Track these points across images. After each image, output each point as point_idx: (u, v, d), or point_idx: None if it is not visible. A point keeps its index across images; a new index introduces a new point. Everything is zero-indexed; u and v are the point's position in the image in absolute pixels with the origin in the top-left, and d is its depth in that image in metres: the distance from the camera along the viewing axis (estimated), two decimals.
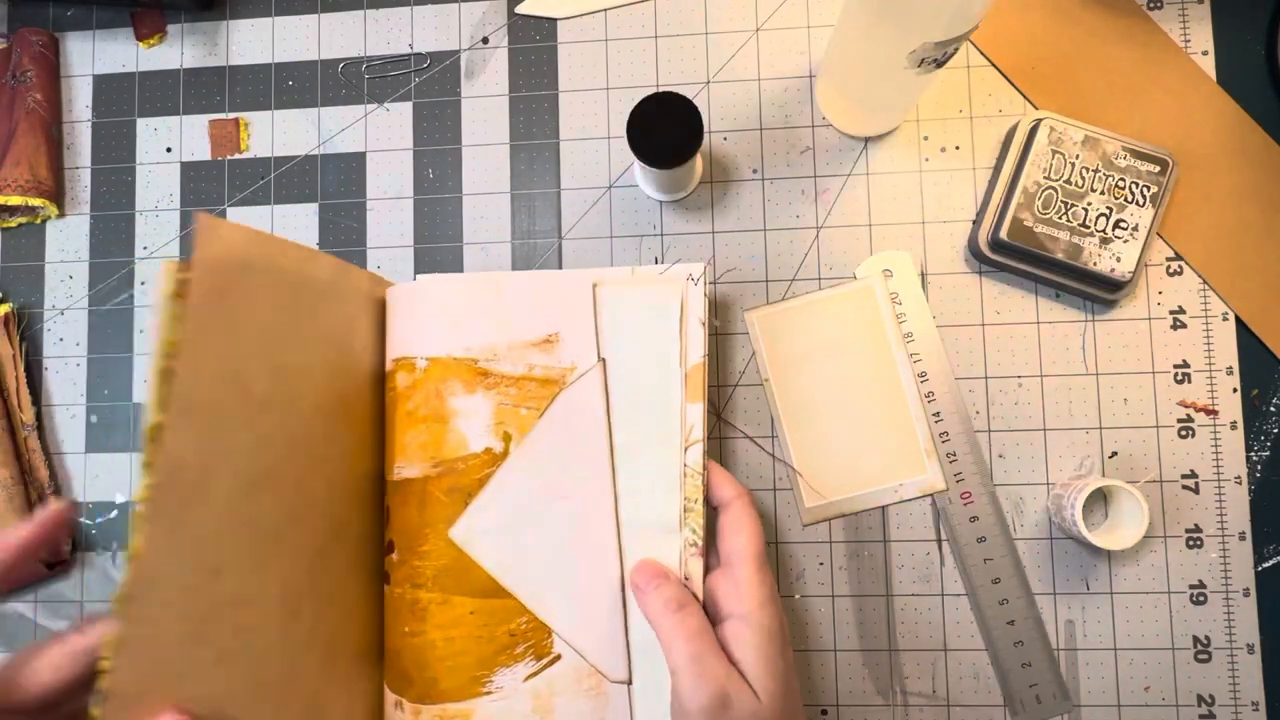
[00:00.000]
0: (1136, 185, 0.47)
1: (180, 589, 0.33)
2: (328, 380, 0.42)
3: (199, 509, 0.34)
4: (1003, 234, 0.48)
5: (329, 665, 0.41)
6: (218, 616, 0.35)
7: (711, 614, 0.41)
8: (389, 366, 0.46)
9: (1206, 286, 0.49)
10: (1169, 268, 0.49)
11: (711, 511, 0.43)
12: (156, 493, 0.32)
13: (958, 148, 0.51)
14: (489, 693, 0.43)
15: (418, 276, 0.49)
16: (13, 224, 0.56)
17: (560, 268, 0.53)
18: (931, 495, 0.49)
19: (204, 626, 0.34)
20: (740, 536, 0.41)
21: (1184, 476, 0.48)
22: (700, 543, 0.43)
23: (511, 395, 0.44)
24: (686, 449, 0.44)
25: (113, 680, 0.31)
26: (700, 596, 0.42)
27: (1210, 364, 0.49)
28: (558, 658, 0.43)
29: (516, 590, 0.43)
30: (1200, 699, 0.47)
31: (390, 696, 0.44)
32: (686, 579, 0.43)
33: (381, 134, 0.55)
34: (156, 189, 0.56)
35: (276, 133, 0.55)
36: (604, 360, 0.44)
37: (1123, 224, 0.47)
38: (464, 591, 0.43)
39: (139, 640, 0.32)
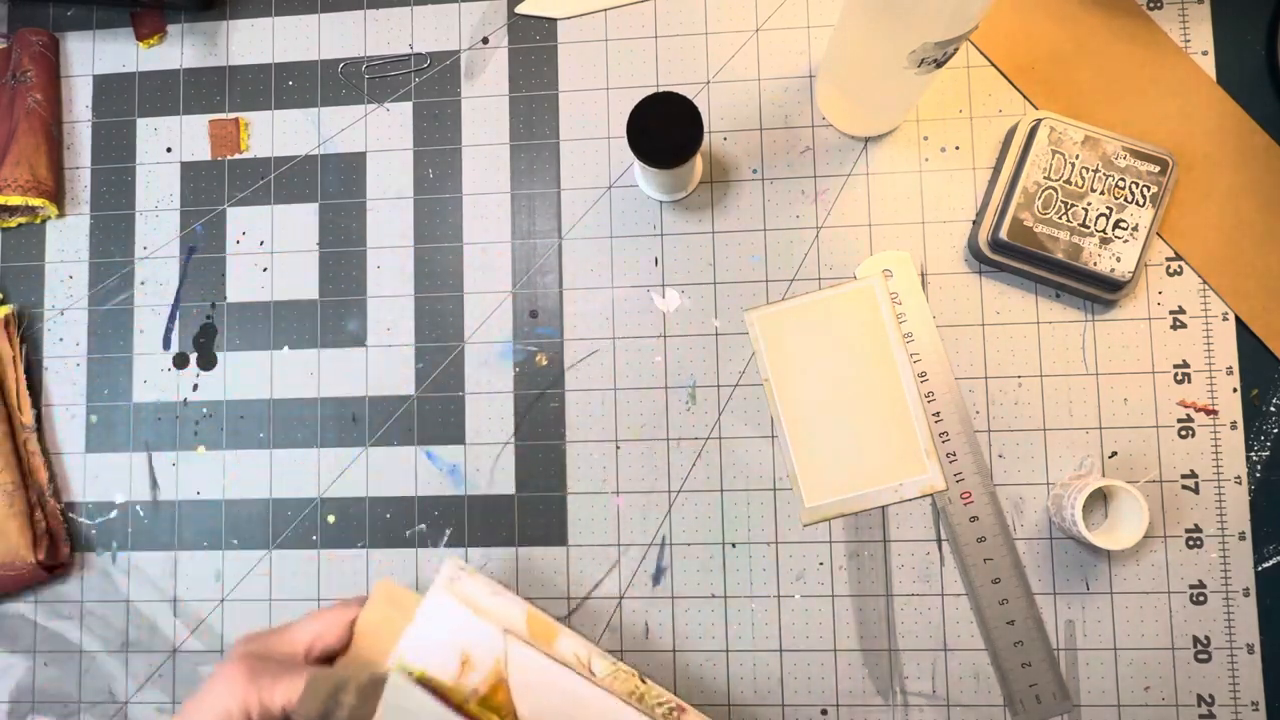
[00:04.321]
0: (1136, 185, 0.47)
1: None
2: None
3: None
4: (1003, 234, 0.48)
5: None
6: None
7: None
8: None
9: (1206, 286, 0.49)
10: (1169, 268, 0.49)
11: None
12: None
13: (958, 148, 0.51)
14: None
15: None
16: (13, 224, 0.56)
17: (560, 268, 0.53)
18: (931, 495, 0.49)
19: None
20: None
21: (1184, 476, 0.48)
22: None
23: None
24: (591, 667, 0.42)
25: None
26: None
27: (1210, 364, 0.49)
28: None
29: None
30: (1200, 699, 0.47)
31: None
32: None
33: (381, 134, 0.55)
34: (156, 189, 0.56)
35: (276, 133, 0.55)
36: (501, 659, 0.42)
37: (1123, 224, 0.47)
38: None
39: None
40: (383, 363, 0.53)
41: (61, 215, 0.56)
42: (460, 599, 0.43)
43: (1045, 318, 0.50)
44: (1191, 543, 0.48)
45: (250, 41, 0.56)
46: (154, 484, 0.54)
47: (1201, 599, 0.48)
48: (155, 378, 0.55)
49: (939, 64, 0.41)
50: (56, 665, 0.54)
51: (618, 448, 0.51)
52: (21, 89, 0.55)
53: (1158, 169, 0.47)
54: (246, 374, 0.54)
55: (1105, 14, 0.51)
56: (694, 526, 0.51)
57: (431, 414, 0.53)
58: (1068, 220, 0.47)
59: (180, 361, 0.55)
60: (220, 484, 0.54)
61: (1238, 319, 0.49)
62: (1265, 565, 0.48)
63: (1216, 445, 0.48)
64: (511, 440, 0.52)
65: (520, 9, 0.54)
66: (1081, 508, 0.44)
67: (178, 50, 0.56)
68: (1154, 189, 0.47)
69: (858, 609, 0.49)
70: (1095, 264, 0.47)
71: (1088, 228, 0.47)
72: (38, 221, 0.56)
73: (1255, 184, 0.49)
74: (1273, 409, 0.48)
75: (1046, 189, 0.48)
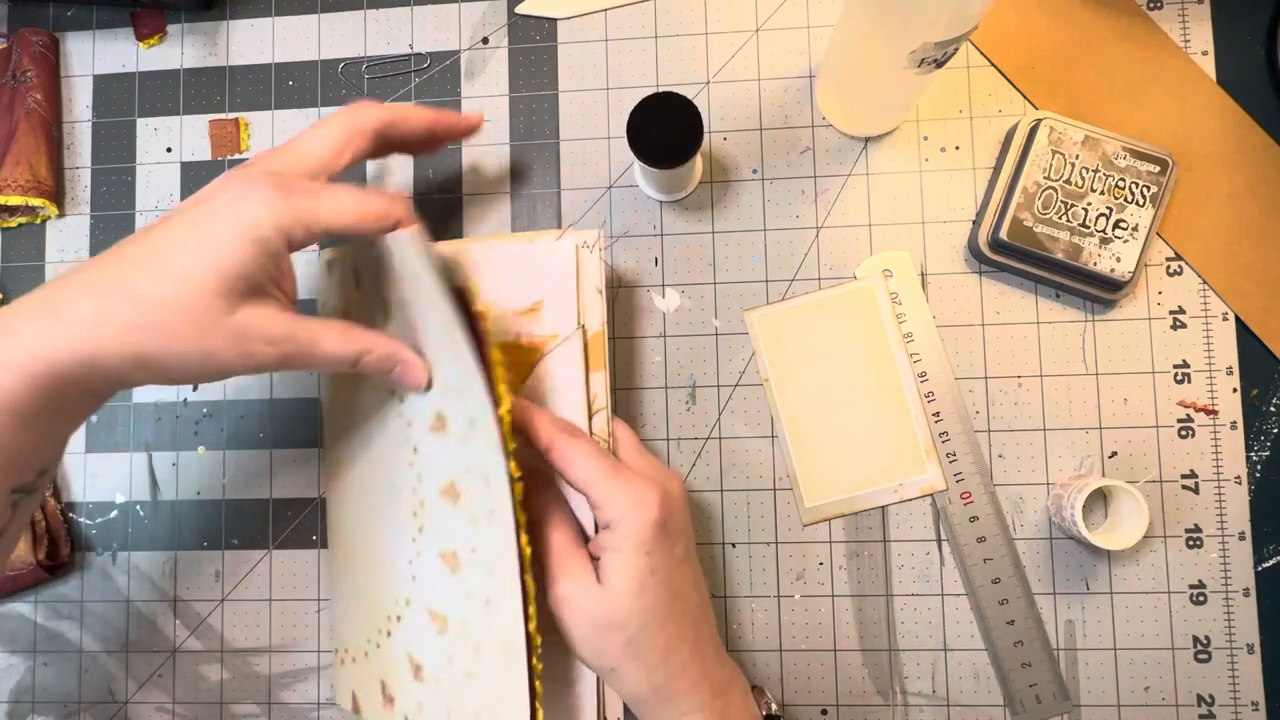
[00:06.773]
0: (1136, 185, 0.47)
1: None
2: None
3: None
4: (1003, 234, 0.48)
5: None
6: None
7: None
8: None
9: (1206, 286, 0.49)
10: (1169, 268, 0.49)
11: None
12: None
13: (958, 148, 0.51)
14: None
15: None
16: (13, 224, 0.56)
17: None
18: (931, 495, 0.49)
19: None
20: (589, 463, 0.39)
21: (1184, 476, 0.48)
22: None
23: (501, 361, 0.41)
24: (592, 416, 0.44)
25: None
26: None
27: (1210, 364, 0.49)
28: None
29: None
30: (1200, 699, 0.47)
31: None
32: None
33: None
34: (156, 189, 0.56)
35: (276, 133, 0.55)
36: (584, 327, 0.45)
37: (1123, 224, 0.47)
38: None
39: None
40: None
41: (61, 215, 0.56)
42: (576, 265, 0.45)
43: (1045, 318, 0.50)
44: (1191, 543, 0.48)
45: (250, 41, 0.56)
46: (154, 484, 0.54)
47: (1201, 599, 0.48)
48: None
49: (939, 64, 0.41)
50: (56, 665, 0.54)
51: None
52: (21, 89, 0.55)
53: (1158, 169, 0.47)
54: None
55: (1105, 14, 0.51)
56: (694, 526, 0.50)
57: None
58: (1068, 220, 0.47)
59: None
60: (220, 484, 0.54)
61: (1238, 319, 0.49)
62: (1265, 565, 0.48)
63: (1216, 445, 0.48)
64: None
65: (520, 9, 0.54)
66: (1081, 508, 0.44)
67: (178, 50, 0.56)
68: (1154, 189, 0.47)
69: (858, 609, 0.49)
70: (1095, 264, 0.47)
71: (1088, 228, 0.47)
72: (38, 221, 0.56)
73: (1255, 184, 0.49)
74: (1273, 409, 0.48)
75: (1046, 189, 0.48)
